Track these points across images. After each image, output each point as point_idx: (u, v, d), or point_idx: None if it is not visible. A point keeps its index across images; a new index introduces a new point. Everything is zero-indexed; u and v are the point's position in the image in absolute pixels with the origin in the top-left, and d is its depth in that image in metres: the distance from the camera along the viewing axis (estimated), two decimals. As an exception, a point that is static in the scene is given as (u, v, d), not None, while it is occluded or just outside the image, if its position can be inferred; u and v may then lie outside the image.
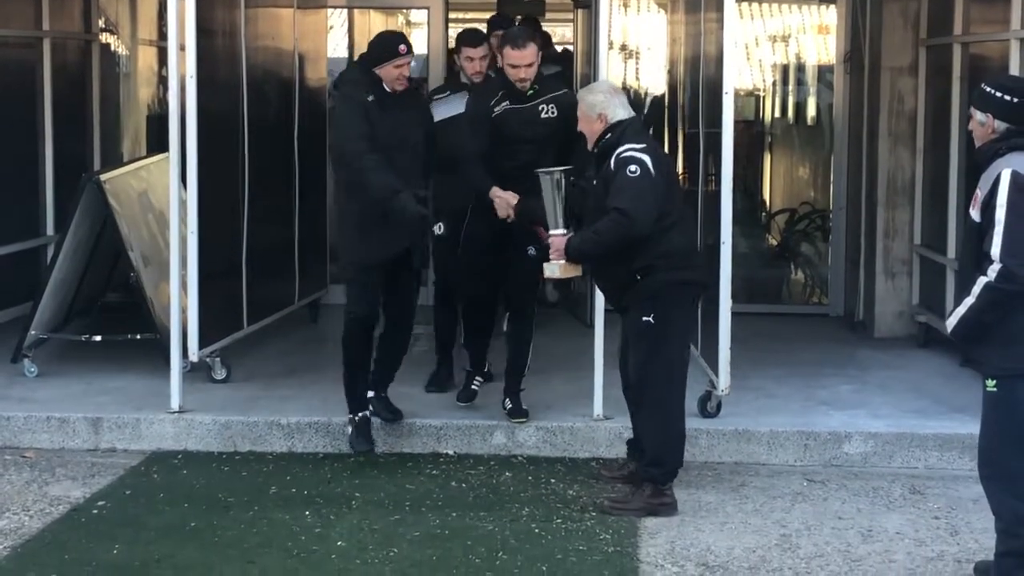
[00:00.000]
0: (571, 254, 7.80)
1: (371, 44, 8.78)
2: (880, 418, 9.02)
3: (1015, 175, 6.13)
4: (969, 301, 6.23)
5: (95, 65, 12.79)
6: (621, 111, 7.72)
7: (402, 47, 8.08)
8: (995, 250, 6.11)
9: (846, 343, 11.41)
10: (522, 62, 8.35)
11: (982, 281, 6.16)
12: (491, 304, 9.27)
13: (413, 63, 9.49)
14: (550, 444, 8.63)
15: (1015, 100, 6.41)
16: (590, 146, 7.91)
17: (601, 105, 7.72)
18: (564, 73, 12.22)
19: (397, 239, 8.38)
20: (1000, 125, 6.35)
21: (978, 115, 6.44)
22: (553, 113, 8.53)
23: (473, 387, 9.10)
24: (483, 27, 10.85)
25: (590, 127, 7.74)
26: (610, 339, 8.77)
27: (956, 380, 9.88)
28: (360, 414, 8.65)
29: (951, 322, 6.40)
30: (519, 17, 12.82)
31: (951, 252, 10.53)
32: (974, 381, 6.89)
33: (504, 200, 8.37)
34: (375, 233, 8.38)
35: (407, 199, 7.81)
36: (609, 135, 7.64)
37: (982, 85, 6.70)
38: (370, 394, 8.77)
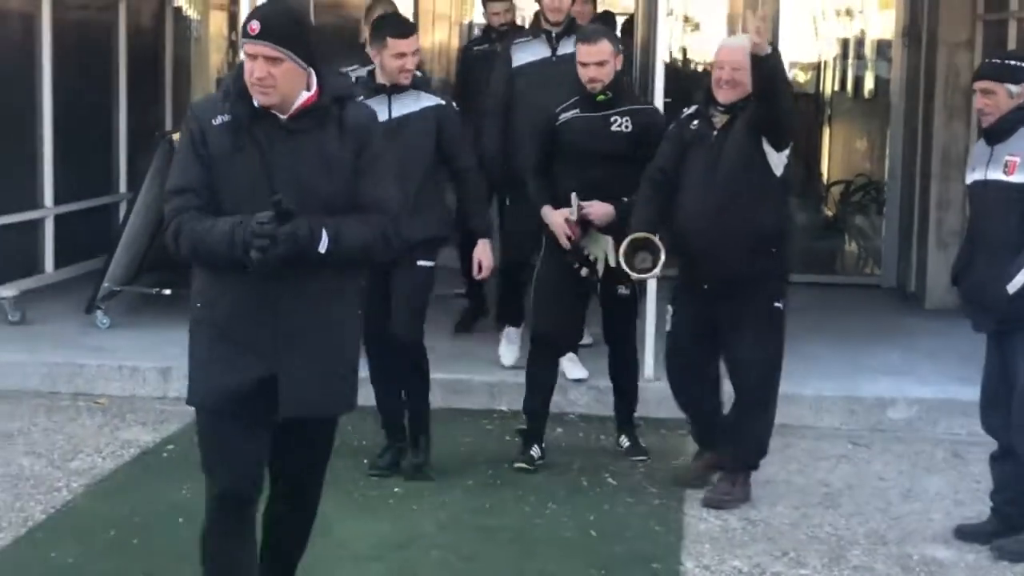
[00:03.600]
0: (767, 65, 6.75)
1: None
2: (926, 384, 9.08)
3: None
4: None
5: (168, 28, 12.83)
6: None
7: (253, 24, 4.48)
8: None
9: (897, 313, 11.44)
10: (591, 59, 7.44)
11: None
12: (560, 352, 8.12)
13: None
14: (601, 403, 8.58)
15: (1019, 63, 6.65)
16: (736, 98, 7.12)
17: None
18: None
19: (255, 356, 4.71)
20: (1020, 94, 6.51)
21: (1011, 87, 6.52)
22: (627, 127, 7.53)
23: (533, 454, 7.75)
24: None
25: (746, 81, 7.02)
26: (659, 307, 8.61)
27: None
28: None
29: (1016, 284, 6.39)
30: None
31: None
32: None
33: (559, 224, 7.47)
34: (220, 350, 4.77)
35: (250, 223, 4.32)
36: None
37: (1006, 60, 6.85)
38: None
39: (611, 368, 8.07)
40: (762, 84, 6.82)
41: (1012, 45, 10.52)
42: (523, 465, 7.66)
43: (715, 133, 7.12)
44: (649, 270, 7.24)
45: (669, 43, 10.56)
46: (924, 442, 8.43)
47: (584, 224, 7.30)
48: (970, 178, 6.82)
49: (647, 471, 7.83)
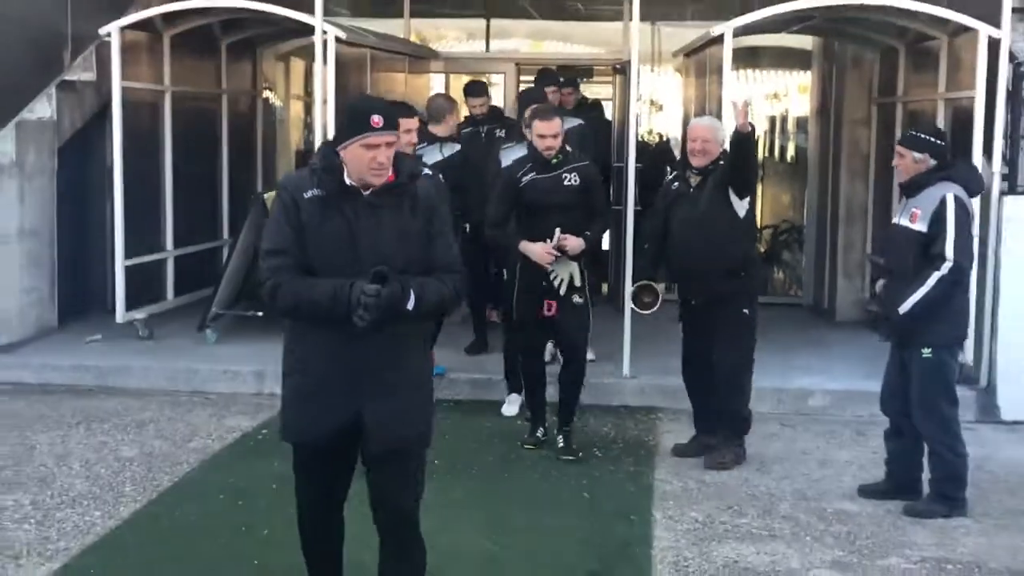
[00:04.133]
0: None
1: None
2: (837, 380, 9.06)
3: (957, 197, 6.33)
4: (924, 290, 6.33)
5: (258, 113, 12.81)
6: None
7: (376, 118, 4.15)
8: (948, 252, 6.27)
9: (814, 325, 11.38)
10: (549, 132, 7.28)
11: (936, 275, 6.30)
12: (542, 352, 8.06)
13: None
14: (590, 395, 8.38)
15: (940, 144, 6.61)
16: (706, 163, 7.23)
17: (723, 134, 7.47)
18: (591, 120, 10.84)
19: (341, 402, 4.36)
20: (931, 162, 6.49)
21: (914, 154, 6.52)
22: (575, 182, 7.37)
23: (538, 435, 7.72)
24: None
25: (718, 150, 7.27)
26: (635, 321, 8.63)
27: (879, 352, 9.88)
28: None
29: (906, 306, 6.42)
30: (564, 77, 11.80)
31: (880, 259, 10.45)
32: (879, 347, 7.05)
33: (537, 251, 7.27)
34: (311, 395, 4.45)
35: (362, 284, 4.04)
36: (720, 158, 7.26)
37: (915, 133, 6.79)
38: None
39: (561, 381, 7.69)
40: (740, 150, 7.06)
41: (898, 123, 10.49)
42: (530, 445, 7.62)
43: (692, 190, 7.33)
44: (651, 307, 7.67)
45: (638, 120, 10.51)
46: (835, 423, 8.43)
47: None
48: (893, 221, 6.83)
49: (625, 447, 7.84)
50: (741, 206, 7.20)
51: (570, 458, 7.42)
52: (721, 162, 7.20)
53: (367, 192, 4.18)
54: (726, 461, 7.37)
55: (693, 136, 7.36)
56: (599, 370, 8.89)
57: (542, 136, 7.31)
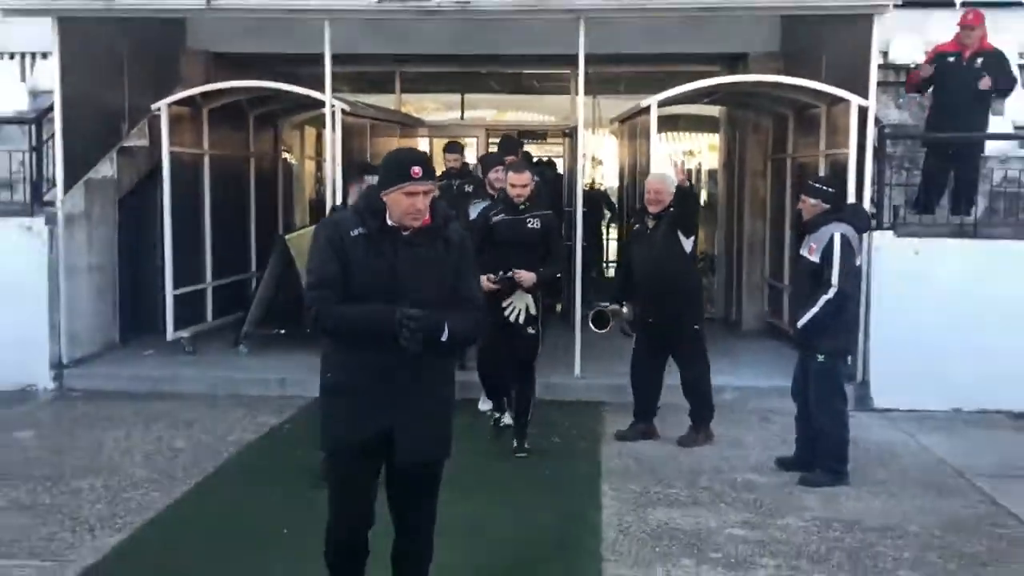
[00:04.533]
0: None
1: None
2: (744, 378, 9.08)
3: (843, 236, 6.43)
4: (814, 310, 6.44)
5: (279, 170, 12.80)
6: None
7: (416, 168, 3.92)
8: (834, 279, 6.37)
9: (724, 334, 11.31)
10: (520, 183, 7.10)
11: (824, 298, 6.40)
12: (501, 367, 7.47)
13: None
14: (549, 392, 8.51)
15: (832, 191, 6.73)
16: (659, 210, 7.36)
17: (673, 185, 7.48)
18: (546, 178, 10.67)
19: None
20: (824, 206, 6.60)
21: (811, 200, 6.63)
22: (537, 225, 7.11)
23: (503, 425, 7.72)
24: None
25: (667, 199, 7.34)
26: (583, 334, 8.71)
27: (788, 357, 9.60)
28: None
29: (802, 322, 6.55)
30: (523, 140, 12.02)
31: (786, 280, 10.40)
32: (788, 351, 7.12)
33: (483, 282, 6.28)
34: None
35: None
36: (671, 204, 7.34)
37: (812, 182, 6.91)
38: None
39: (516, 401, 7.47)
40: (683, 200, 7.32)
41: (788, 175, 10.54)
42: (496, 426, 7.68)
43: (648, 231, 7.47)
44: (604, 327, 7.74)
45: (583, 174, 10.62)
46: (743, 412, 8.46)
47: (513, 285, 7.02)
48: (800, 252, 6.88)
49: (577, 434, 7.84)
50: (688, 243, 7.36)
51: (523, 455, 7.22)
52: (671, 208, 7.33)
53: (406, 232, 3.90)
54: (698, 442, 7.50)
55: (648, 188, 7.51)
56: (556, 372, 8.94)
57: (513, 185, 7.15)
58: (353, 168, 7.02)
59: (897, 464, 7.12)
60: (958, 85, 9.05)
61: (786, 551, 5.50)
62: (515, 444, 7.33)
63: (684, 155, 16.32)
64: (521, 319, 7.15)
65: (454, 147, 10.30)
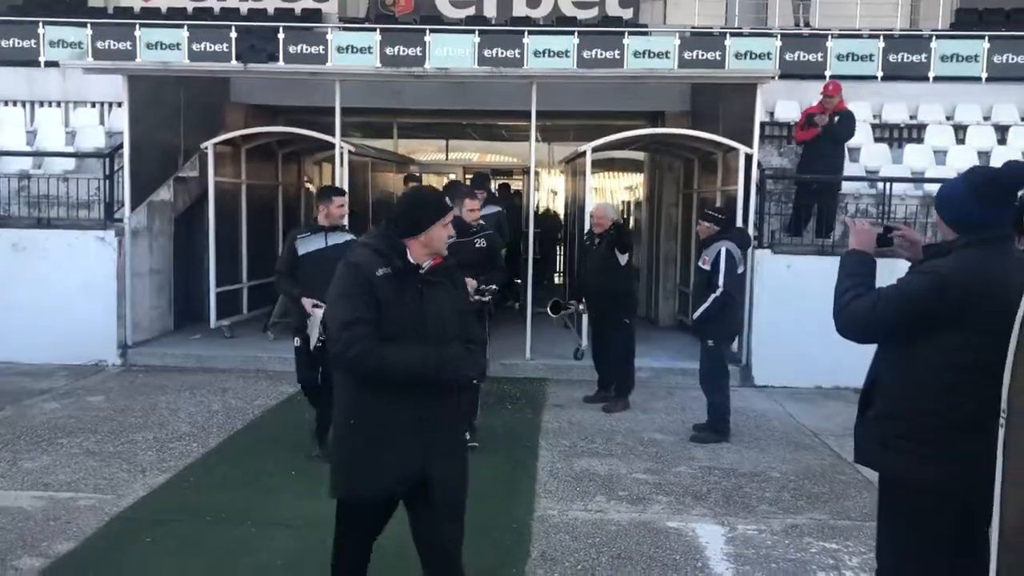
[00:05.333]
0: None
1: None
2: (657, 360, 9.06)
3: (728, 251, 6.51)
4: (705, 305, 6.53)
5: (302, 196, 12.71)
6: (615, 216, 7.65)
7: (447, 201, 3.48)
8: (720, 282, 6.46)
9: (646, 328, 11.10)
10: (474, 207, 6.44)
11: (713, 296, 6.48)
12: None
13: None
14: (505, 371, 8.54)
15: (721, 217, 6.82)
16: (601, 231, 7.35)
17: (615, 213, 7.75)
18: (503, 208, 10.02)
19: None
20: (715, 228, 6.69)
21: (706, 223, 6.74)
22: (483, 244, 6.38)
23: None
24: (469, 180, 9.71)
25: (608, 223, 7.39)
26: (535, 324, 8.84)
27: (692, 346, 9.74)
28: None
29: (696, 314, 6.67)
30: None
31: (691, 286, 10.54)
32: (697, 344, 7.07)
33: None
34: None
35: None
36: (612, 228, 7.39)
37: (706, 210, 7.04)
38: None
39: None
40: (620, 231, 7.51)
41: (694, 205, 10.57)
42: None
43: (593, 247, 7.54)
44: (557, 314, 7.84)
45: (533, 203, 10.67)
46: (656, 387, 8.45)
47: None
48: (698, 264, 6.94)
49: (526, 403, 7.79)
50: (622, 258, 7.42)
51: (474, 445, 5.97)
52: (611, 231, 7.41)
53: (423, 271, 3.24)
54: (617, 409, 7.50)
55: (593, 215, 7.67)
56: (511, 355, 8.91)
57: (471, 210, 6.49)
58: (322, 191, 6.36)
59: (768, 427, 7.21)
60: (823, 137, 9.20)
61: (677, 491, 5.59)
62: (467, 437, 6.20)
63: (619, 189, 16.40)
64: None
65: (480, 181, 8.73)
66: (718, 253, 6.56)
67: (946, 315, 2.80)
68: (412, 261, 3.22)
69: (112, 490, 5.39)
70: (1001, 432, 2.61)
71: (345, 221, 6.17)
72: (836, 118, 9.19)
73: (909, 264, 3.10)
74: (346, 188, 9.18)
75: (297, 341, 5.97)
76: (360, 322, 3.07)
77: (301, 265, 5.83)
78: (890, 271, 3.19)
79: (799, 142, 9.57)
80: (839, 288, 3.09)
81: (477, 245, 6.44)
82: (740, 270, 6.80)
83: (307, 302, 5.70)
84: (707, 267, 6.61)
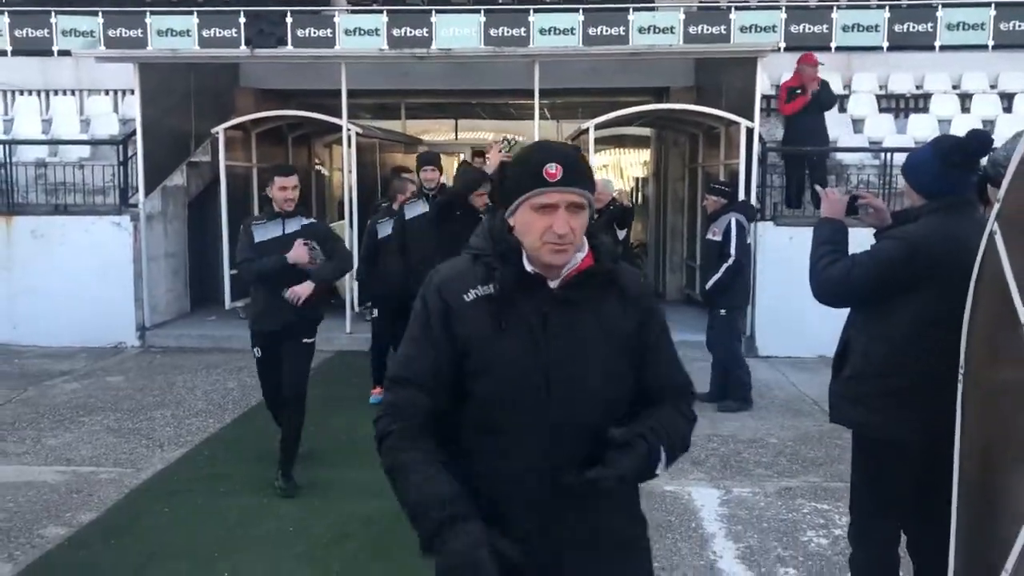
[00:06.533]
0: None
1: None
2: None
3: (738, 221, 6.58)
4: (718, 275, 6.58)
5: (313, 179, 12.84)
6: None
7: (551, 167, 1.81)
8: (732, 251, 6.51)
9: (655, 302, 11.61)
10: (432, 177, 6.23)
11: (725, 265, 6.54)
12: None
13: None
14: None
15: (728, 189, 6.91)
16: (600, 207, 7.38)
17: (612, 188, 7.79)
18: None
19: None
20: (723, 201, 6.75)
21: (713, 197, 6.80)
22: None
23: None
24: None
25: (607, 198, 7.50)
26: None
27: (697, 318, 9.81)
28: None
29: (709, 284, 6.68)
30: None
31: (698, 260, 10.57)
32: (703, 316, 7.20)
33: None
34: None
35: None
36: (612, 204, 7.56)
37: (713, 184, 7.10)
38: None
39: None
40: (623, 211, 7.54)
41: (699, 179, 10.66)
42: None
43: (592, 221, 7.45)
44: None
45: None
46: None
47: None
48: (706, 237, 7.02)
49: None
50: (620, 233, 7.55)
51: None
52: (611, 206, 7.50)
53: (556, 283, 1.92)
54: None
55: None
56: None
57: (427, 179, 6.41)
58: (268, 171, 5.35)
59: (770, 395, 7.30)
60: (810, 108, 9.24)
61: (676, 457, 5.74)
62: None
63: (627, 166, 16.47)
64: None
65: (430, 158, 7.11)
66: (728, 223, 6.63)
67: (916, 278, 2.91)
68: (527, 268, 1.91)
69: (132, 464, 5.60)
70: (960, 387, 2.74)
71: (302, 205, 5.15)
72: (815, 89, 9.25)
73: (873, 231, 3.21)
74: (354, 168, 9.35)
75: (257, 352, 5.27)
76: (405, 384, 1.92)
77: (259, 254, 4.99)
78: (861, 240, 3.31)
79: (787, 116, 9.60)
80: (814, 255, 3.22)
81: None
82: (748, 240, 6.87)
83: (296, 252, 4.85)
84: (718, 238, 6.67)
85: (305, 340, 5.13)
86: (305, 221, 5.15)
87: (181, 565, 4.19)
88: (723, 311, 6.75)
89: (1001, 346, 2.53)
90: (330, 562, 4.21)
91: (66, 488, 5.18)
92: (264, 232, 5.06)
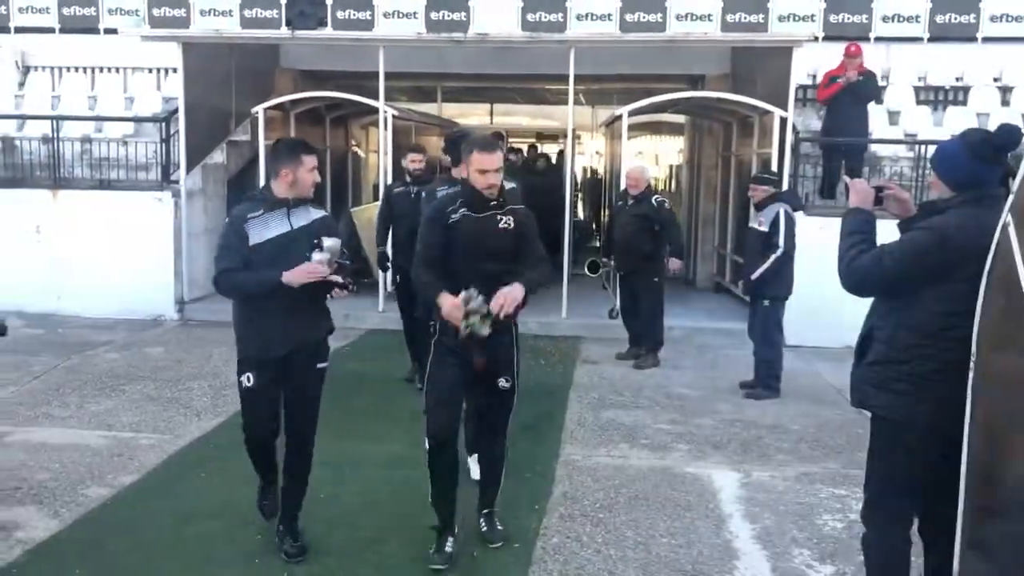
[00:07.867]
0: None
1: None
2: (693, 319, 9.26)
3: (787, 211, 6.59)
4: (766, 265, 6.56)
5: (349, 160, 13.01)
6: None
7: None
8: (781, 242, 6.49)
9: (685, 289, 11.41)
10: (491, 167, 3.77)
11: (773, 256, 6.50)
12: (455, 445, 3.93)
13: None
14: (542, 328, 8.77)
15: (776, 179, 6.92)
16: (637, 193, 7.53)
17: (649, 174, 7.87)
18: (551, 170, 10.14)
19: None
20: (771, 191, 6.76)
21: (760, 187, 6.78)
22: (510, 225, 3.85)
23: (447, 549, 3.95)
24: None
25: (644, 184, 7.58)
26: (571, 285, 9.01)
27: (727, 307, 10.04)
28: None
29: (755, 275, 6.63)
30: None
31: (729, 249, 10.69)
32: (736, 305, 7.26)
33: (451, 306, 3.67)
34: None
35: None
36: (648, 188, 7.61)
37: (760, 174, 7.07)
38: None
39: (481, 464, 4.32)
40: (671, 221, 7.68)
41: (732, 168, 10.67)
42: (438, 567, 3.88)
43: (627, 207, 7.62)
44: (596, 273, 8.56)
45: (571, 165, 10.62)
46: (688, 345, 8.63)
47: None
48: (750, 225, 7.04)
49: (560, 359, 7.98)
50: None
51: (496, 544, 4.14)
52: (645, 190, 7.59)
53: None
54: (647, 365, 7.68)
55: (628, 176, 7.80)
56: (549, 314, 9.07)
57: (485, 171, 3.83)
58: (285, 147, 3.95)
59: (795, 383, 7.31)
60: (846, 97, 9.21)
61: (698, 440, 5.82)
62: (484, 529, 4.22)
63: (661, 153, 16.41)
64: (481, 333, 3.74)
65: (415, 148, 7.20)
66: (776, 214, 6.61)
67: (946, 268, 2.98)
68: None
69: (170, 431, 5.80)
70: (971, 374, 2.82)
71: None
72: (860, 78, 9.18)
73: (897, 221, 3.27)
74: (390, 151, 9.47)
75: (248, 379, 4.02)
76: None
77: (255, 258, 3.77)
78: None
79: (821, 102, 9.57)
80: (843, 245, 3.28)
81: (501, 225, 3.88)
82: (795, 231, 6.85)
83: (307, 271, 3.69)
84: (764, 228, 6.65)
85: (320, 365, 4.05)
86: (316, 214, 3.92)
87: (216, 525, 4.38)
88: (767, 302, 6.74)
89: (1010, 334, 2.60)
90: (359, 527, 4.36)
91: (108, 452, 5.39)
92: (263, 229, 3.78)
